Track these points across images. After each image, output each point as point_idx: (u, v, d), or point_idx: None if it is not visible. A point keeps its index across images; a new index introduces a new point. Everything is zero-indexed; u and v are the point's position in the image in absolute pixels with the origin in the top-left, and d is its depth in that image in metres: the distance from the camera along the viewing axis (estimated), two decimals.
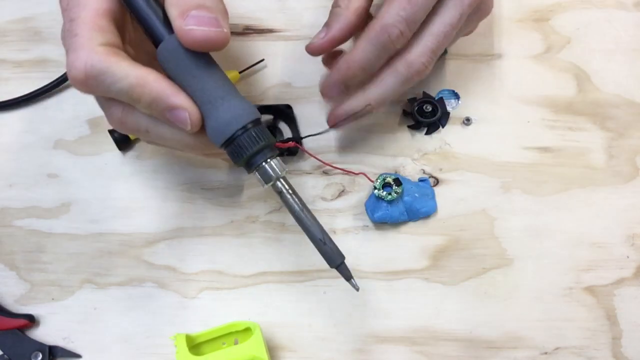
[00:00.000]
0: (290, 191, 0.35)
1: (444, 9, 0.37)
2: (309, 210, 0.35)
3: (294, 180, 0.44)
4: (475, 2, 0.38)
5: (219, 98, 0.33)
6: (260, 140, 0.33)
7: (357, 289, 0.36)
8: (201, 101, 0.33)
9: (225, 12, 0.33)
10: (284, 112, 0.45)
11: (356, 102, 0.39)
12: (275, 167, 0.34)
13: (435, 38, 0.37)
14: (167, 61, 0.33)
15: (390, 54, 0.37)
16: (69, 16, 0.33)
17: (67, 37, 0.33)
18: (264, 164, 0.34)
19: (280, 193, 0.35)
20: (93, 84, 0.32)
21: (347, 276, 0.36)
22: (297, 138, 0.44)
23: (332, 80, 0.39)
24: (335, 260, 0.35)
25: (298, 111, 0.45)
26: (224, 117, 0.33)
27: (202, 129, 0.34)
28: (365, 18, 0.39)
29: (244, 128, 0.33)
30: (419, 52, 0.37)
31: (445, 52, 0.41)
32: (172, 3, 0.32)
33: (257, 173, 0.35)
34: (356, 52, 0.37)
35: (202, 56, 0.33)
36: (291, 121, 0.45)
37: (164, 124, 0.34)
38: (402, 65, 0.37)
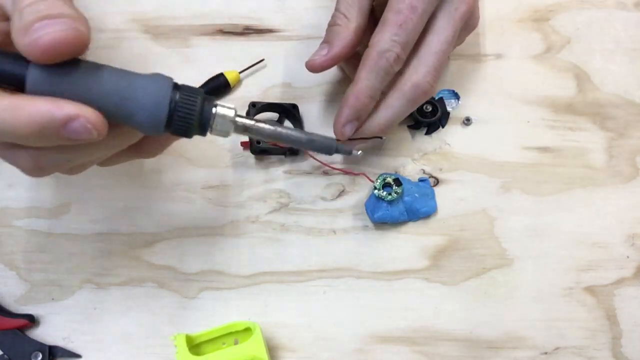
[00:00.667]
0: (253, 121, 0.32)
1: (438, 27, 0.38)
2: (281, 126, 0.34)
3: (294, 180, 0.44)
4: (465, 15, 0.39)
5: (126, 88, 0.29)
6: (194, 98, 0.30)
7: (360, 153, 0.37)
8: (112, 103, 0.29)
9: (79, 16, 0.28)
10: (290, 112, 0.45)
11: (368, 127, 0.40)
12: (225, 113, 0.31)
13: (436, 56, 0.38)
14: (45, 93, 0.28)
15: (391, 78, 0.38)
16: None
17: None
18: (216, 118, 0.31)
19: (246, 130, 0.32)
20: None
21: (347, 151, 0.36)
22: None
23: (345, 116, 0.39)
24: (330, 146, 0.35)
25: None
26: (146, 102, 0.29)
27: (116, 125, 0.30)
28: (362, 36, 0.39)
29: (172, 99, 0.29)
30: (424, 72, 0.38)
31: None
32: (13, 29, 0.28)
33: (213, 128, 0.31)
34: (360, 82, 0.38)
35: (77, 65, 0.29)
36: (296, 121, 0.45)
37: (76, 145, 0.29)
38: (408, 87, 0.38)
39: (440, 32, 0.38)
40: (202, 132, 0.31)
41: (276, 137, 0.33)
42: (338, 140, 0.38)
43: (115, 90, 0.29)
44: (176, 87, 0.30)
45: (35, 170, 0.31)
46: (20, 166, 0.31)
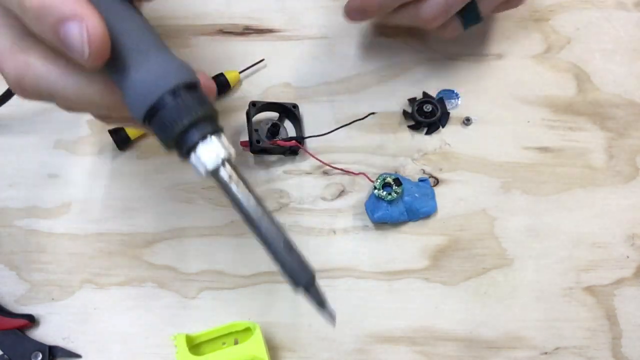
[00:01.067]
0: (236, 180, 0.25)
1: None
2: (267, 213, 0.26)
3: (294, 180, 0.44)
4: None
5: (141, 52, 0.24)
6: (193, 109, 0.24)
7: (334, 320, 0.27)
8: (119, 52, 0.25)
9: None
10: (290, 111, 0.45)
11: (423, 9, 0.39)
12: (216, 146, 0.25)
13: None
14: None
15: None
16: None
17: None
18: (200, 142, 0.24)
19: (224, 187, 0.25)
20: None
21: (319, 301, 0.26)
22: (300, 138, 0.44)
23: (354, 5, 0.40)
24: (299, 281, 0.25)
25: None
26: (145, 77, 0.24)
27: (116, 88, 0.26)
28: None
29: (173, 92, 0.24)
30: None
31: (481, 19, 0.41)
32: None
33: (191, 156, 0.25)
34: None
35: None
36: (296, 121, 0.45)
37: (66, 72, 0.26)
38: None
39: None
40: (179, 152, 0.25)
41: (246, 215, 0.26)
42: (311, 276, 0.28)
43: (133, 42, 0.25)
44: (191, 86, 0.25)
45: (18, 79, 0.27)
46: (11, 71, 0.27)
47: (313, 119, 0.46)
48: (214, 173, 0.25)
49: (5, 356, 0.41)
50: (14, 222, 0.45)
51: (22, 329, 0.42)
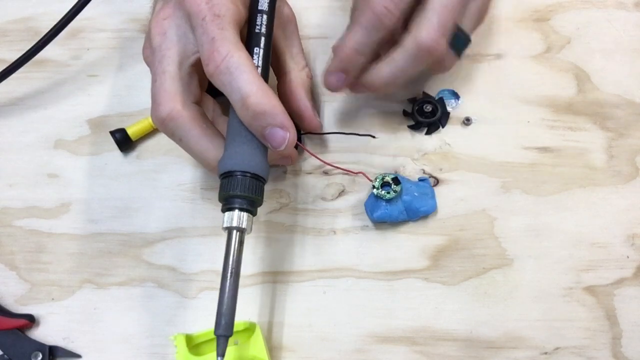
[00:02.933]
0: (235, 249, 0.35)
1: None
2: (237, 276, 0.35)
3: (294, 180, 0.44)
4: None
5: (247, 142, 0.35)
6: (248, 190, 0.35)
7: None
8: (238, 133, 0.36)
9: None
10: None
11: (367, 78, 0.40)
12: (243, 219, 0.35)
13: (438, 11, 0.37)
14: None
15: (383, 34, 0.38)
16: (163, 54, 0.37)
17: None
18: (236, 209, 0.35)
19: (227, 243, 0.35)
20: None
21: (219, 352, 0.34)
22: (300, 133, 0.44)
23: (331, 68, 0.40)
24: (219, 330, 0.34)
25: None
26: (240, 154, 0.35)
27: None
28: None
29: (244, 173, 0.35)
30: (425, 27, 0.37)
31: (470, 40, 0.41)
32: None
33: (225, 213, 0.35)
34: (348, 35, 0.38)
35: None
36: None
37: (201, 134, 0.37)
38: (409, 41, 0.38)
39: None
40: (222, 206, 0.36)
41: (223, 275, 0.35)
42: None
43: (247, 135, 0.36)
44: (259, 178, 0.36)
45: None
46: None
47: None
48: (229, 231, 0.35)
49: (5, 356, 0.41)
50: (14, 222, 0.45)
51: (22, 329, 0.42)
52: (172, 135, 0.37)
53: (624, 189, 0.43)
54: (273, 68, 0.43)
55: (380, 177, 0.42)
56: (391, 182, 0.42)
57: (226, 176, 0.35)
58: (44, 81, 0.48)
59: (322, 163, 0.44)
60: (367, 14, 0.37)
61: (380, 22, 0.37)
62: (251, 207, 0.35)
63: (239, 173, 0.35)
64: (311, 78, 0.44)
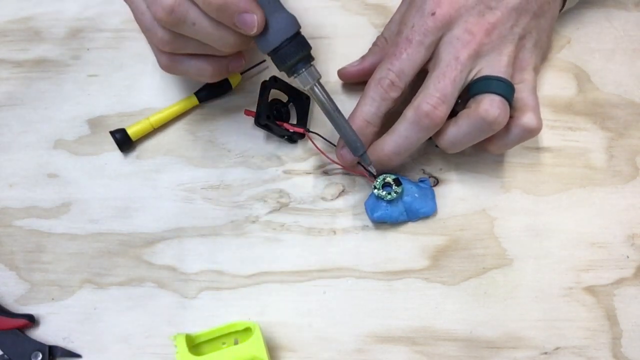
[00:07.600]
0: (324, 94, 0.39)
1: (438, 55, 0.39)
2: (339, 111, 0.40)
3: (294, 180, 0.45)
4: (468, 46, 0.39)
5: (272, 10, 0.37)
6: (301, 51, 0.37)
7: (375, 175, 0.41)
8: (267, 3, 0.37)
9: None
10: (302, 101, 0.45)
11: (373, 150, 0.41)
12: (312, 73, 0.38)
13: (436, 80, 0.39)
14: None
15: (389, 104, 0.40)
16: None
17: None
18: (303, 70, 0.38)
19: (315, 95, 0.39)
20: None
21: (367, 161, 0.40)
22: (305, 127, 0.44)
23: (342, 143, 0.41)
24: (357, 148, 0.40)
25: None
26: (275, 27, 0.37)
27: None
28: None
29: (289, 39, 0.37)
30: (424, 95, 0.39)
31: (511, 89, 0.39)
32: None
33: (297, 78, 0.39)
34: (357, 107, 0.41)
35: None
36: (303, 112, 0.45)
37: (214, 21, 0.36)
38: (410, 110, 0.39)
39: (440, 59, 0.39)
40: (288, 74, 0.39)
41: (326, 111, 0.40)
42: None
43: (266, 4, 0.36)
44: (298, 33, 0.38)
45: (169, 11, 0.35)
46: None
47: (313, 118, 0.46)
48: (311, 88, 0.39)
49: (5, 356, 0.41)
50: (14, 222, 0.45)
51: (22, 329, 0.42)
52: (184, 22, 0.35)
53: (624, 189, 0.44)
54: None
55: (381, 177, 0.42)
56: (392, 182, 0.42)
57: (278, 49, 0.37)
58: (44, 81, 0.48)
59: (321, 163, 0.43)
60: (374, 86, 0.40)
61: (386, 93, 0.40)
62: (310, 59, 0.39)
63: (286, 42, 0.37)
64: None
